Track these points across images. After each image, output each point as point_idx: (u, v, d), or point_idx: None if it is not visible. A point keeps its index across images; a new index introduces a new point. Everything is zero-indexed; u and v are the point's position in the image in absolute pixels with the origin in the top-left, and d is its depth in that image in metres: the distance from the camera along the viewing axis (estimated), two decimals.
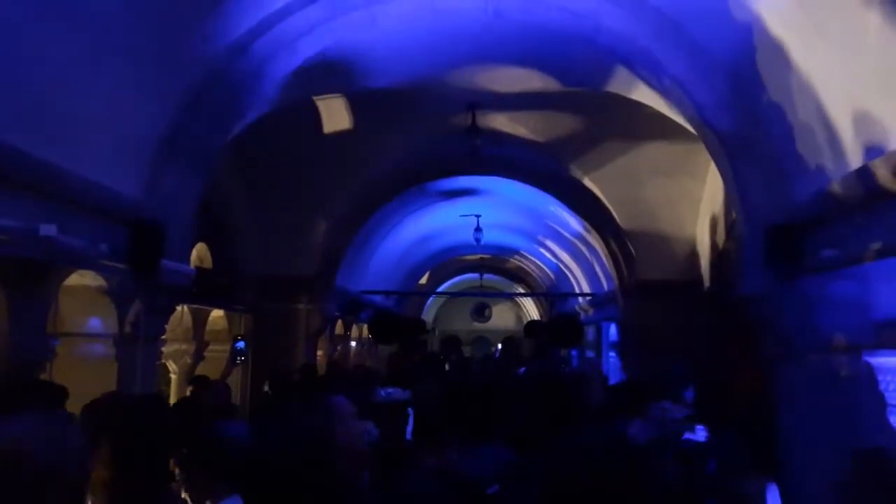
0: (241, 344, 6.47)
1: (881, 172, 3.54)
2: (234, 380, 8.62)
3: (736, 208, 5.43)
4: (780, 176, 4.84)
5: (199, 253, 7.93)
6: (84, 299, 4.49)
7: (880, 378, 3.72)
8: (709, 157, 5.84)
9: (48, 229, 3.66)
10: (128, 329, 4.72)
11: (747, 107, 5.00)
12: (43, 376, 3.82)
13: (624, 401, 5.07)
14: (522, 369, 12.90)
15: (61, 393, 2.96)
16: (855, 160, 3.91)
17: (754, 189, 5.06)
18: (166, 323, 5.28)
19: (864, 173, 3.71)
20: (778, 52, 4.36)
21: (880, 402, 3.72)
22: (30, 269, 3.68)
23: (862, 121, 3.82)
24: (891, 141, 3.52)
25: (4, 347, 3.59)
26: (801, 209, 4.57)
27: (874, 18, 3.41)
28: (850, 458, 2.78)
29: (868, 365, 3.80)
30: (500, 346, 31.62)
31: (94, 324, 4.63)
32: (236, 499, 2.35)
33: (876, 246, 3.70)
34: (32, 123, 3.60)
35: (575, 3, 5.07)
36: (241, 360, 6.39)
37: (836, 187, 4.03)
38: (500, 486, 3.27)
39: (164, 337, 5.50)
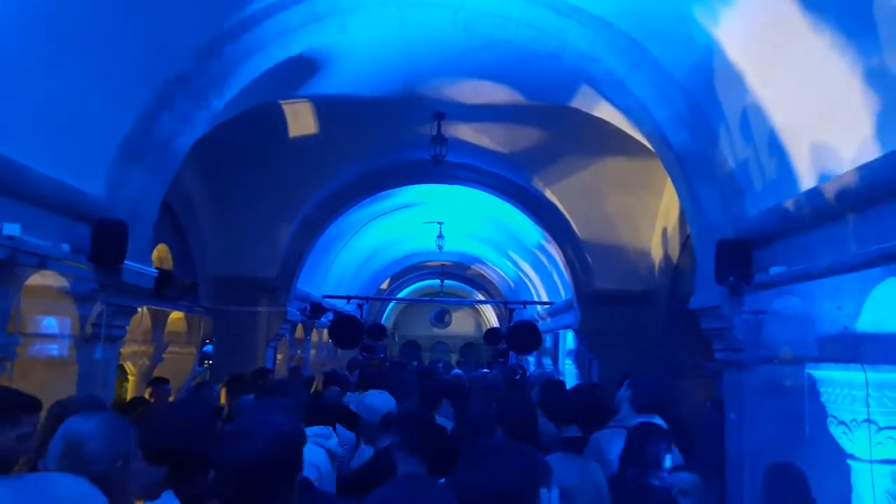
0: (209, 347, 6.41)
1: (829, 194, 3.74)
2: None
3: (691, 223, 5.62)
4: (734, 194, 5.04)
5: (160, 254, 7.86)
6: (45, 299, 4.45)
7: (822, 390, 3.91)
8: (666, 173, 6.03)
9: (12, 228, 3.65)
10: (89, 330, 4.69)
11: (704, 126, 5.20)
12: (3, 375, 3.78)
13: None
14: (484, 370, 13.00)
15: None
16: (806, 182, 4.11)
17: (708, 206, 5.25)
18: (128, 324, 5.25)
19: (813, 194, 3.91)
20: (735, 75, 4.56)
21: (821, 412, 3.91)
22: None
23: (813, 144, 4.02)
24: (840, 165, 3.72)
25: None
26: (751, 226, 4.77)
27: (825, 48, 3.61)
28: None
29: (811, 377, 3.99)
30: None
31: (55, 324, 4.59)
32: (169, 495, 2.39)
33: (822, 264, 3.89)
34: None
35: (542, 21, 5.20)
36: (208, 363, 6.34)
37: (786, 206, 4.23)
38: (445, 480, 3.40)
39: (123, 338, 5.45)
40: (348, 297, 13.12)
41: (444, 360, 27.51)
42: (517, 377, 10.32)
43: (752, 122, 4.60)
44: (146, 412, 4.43)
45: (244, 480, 1.98)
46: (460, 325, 32.91)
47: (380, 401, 4.14)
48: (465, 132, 8.39)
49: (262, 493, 2.00)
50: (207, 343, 6.40)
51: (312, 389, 7.38)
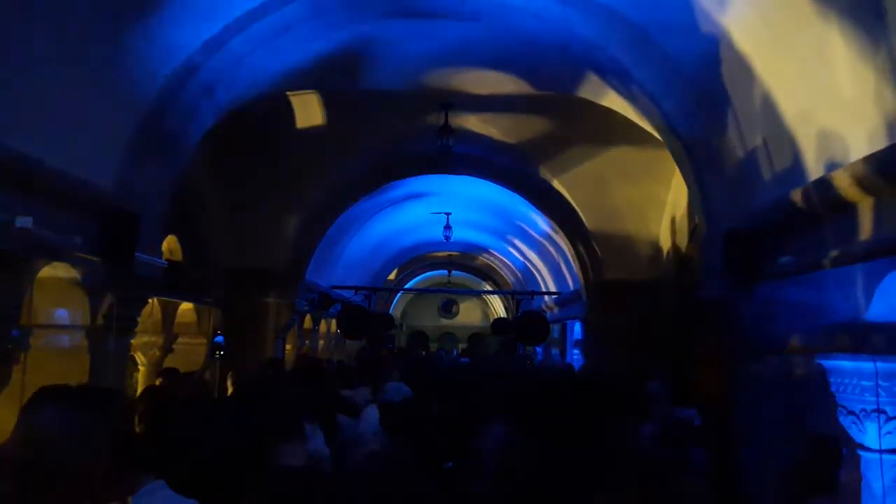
0: (220, 338, 6.46)
1: (839, 183, 3.72)
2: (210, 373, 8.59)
3: (698, 214, 5.60)
4: (742, 184, 5.02)
5: (170, 245, 7.90)
6: (57, 291, 4.48)
7: (831, 380, 3.91)
8: (674, 163, 6.01)
9: (24, 221, 3.67)
10: (100, 321, 4.73)
11: (712, 116, 5.18)
12: (17, 367, 3.83)
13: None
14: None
15: None
16: (814, 171, 4.09)
17: (716, 196, 5.23)
18: (138, 315, 5.29)
19: (823, 183, 3.89)
20: (743, 64, 4.53)
21: (831, 402, 3.91)
22: (4, 260, 3.68)
23: (822, 133, 4.00)
24: (850, 154, 3.70)
25: None
26: (760, 216, 4.75)
27: (834, 37, 3.59)
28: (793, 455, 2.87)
29: (821, 367, 3.99)
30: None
31: (67, 316, 4.63)
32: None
33: (832, 254, 3.88)
34: (7, 116, 3.60)
35: (548, 11, 5.18)
36: (220, 354, 6.39)
37: (795, 196, 4.20)
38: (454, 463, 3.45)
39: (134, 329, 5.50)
40: (356, 288, 13.15)
41: (446, 349, 27.49)
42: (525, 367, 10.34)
43: (760, 111, 4.57)
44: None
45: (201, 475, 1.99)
46: (468, 315, 32.95)
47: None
48: (473, 123, 8.38)
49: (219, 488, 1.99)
50: (219, 334, 6.45)
51: None
